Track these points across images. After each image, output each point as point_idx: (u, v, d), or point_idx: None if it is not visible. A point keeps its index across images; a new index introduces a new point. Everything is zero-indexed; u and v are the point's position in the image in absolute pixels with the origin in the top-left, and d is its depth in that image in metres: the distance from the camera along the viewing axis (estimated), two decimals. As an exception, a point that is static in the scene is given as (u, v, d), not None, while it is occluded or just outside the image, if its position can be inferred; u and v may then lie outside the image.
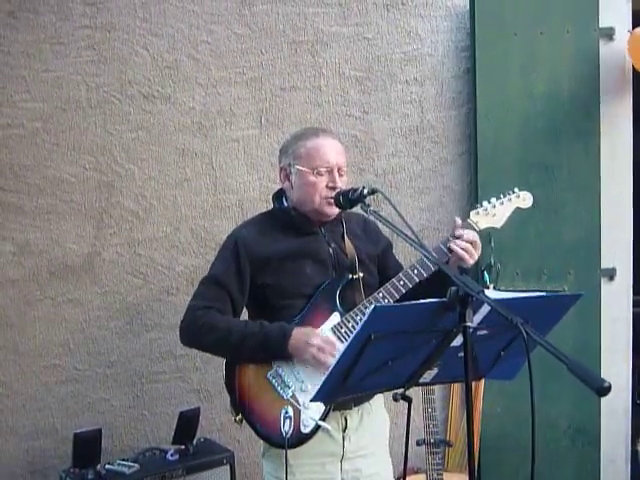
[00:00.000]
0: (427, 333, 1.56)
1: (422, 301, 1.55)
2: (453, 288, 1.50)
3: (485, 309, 1.56)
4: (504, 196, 2.18)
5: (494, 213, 2.15)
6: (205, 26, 3.25)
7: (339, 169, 2.13)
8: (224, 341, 2.07)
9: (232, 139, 3.29)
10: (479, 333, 1.59)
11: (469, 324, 1.51)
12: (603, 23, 3.23)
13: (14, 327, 3.15)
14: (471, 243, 2.06)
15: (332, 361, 1.83)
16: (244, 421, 2.06)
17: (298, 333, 2.02)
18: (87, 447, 2.71)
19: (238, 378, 2.08)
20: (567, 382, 2.98)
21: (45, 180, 3.17)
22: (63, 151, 3.18)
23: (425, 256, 1.90)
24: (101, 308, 3.22)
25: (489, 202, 2.16)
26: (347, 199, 2.00)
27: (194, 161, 3.27)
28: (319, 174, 2.10)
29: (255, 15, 3.28)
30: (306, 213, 2.15)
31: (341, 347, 1.98)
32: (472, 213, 2.15)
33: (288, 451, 1.94)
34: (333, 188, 2.09)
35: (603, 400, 3.22)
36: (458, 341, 1.57)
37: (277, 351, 2.03)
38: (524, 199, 2.19)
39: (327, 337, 2.02)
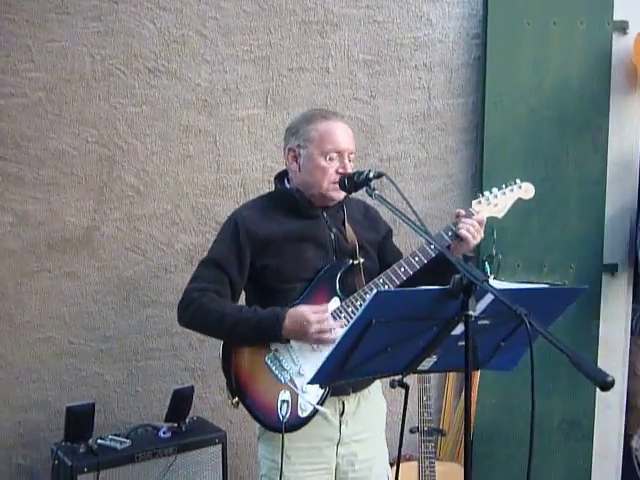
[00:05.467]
0: (428, 320, 1.54)
1: (425, 287, 1.54)
2: (457, 276, 1.48)
3: (488, 299, 1.54)
4: (506, 186, 2.19)
5: (496, 203, 2.16)
6: (214, 2, 3.21)
7: (349, 154, 2.11)
8: (218, 325, 2.05)
9: (237, 118, 3.26)
10: (480, 323, 1.57)
11: (471, 313, 1.49)
12: (617, 16, 3.20)
13: (10, 298, 3.12)
14: (474, 226, 2.06)
15: (335, 335, 1.83)
16: (240, 404, 2.05)
17: (291, 316, 2.00)
18: (79, 421, 2.70)
19: (235, 361, 2.07)
20: (562, 376, 3.02)
21: (46, 151, 3.13)
22: (66, 122, 3.14)
23: (429, 241, 1.89)
24: (98, 283, 3.20)
25: (491, 192, 2.17)
26: (352, 182, 1.99)
27: (197, 138, 3.24)
28: (330, 159, 2.09)
29: (265, -7, 3.24)
30: (310, 196, 2.13)
31: (341, 331, 1.97)
32: (474, 202, 2.16)
33: (285, 435, 1.93)
34: (342, 174, 2.07)
35: (598, 395, 3.22)
36: (459, 330, 1.56)
37: (271, 336, 2.02)
38: (526, 190, 2.20)
39: (319, 316, 1.98)
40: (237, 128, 3.26)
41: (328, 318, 2.00)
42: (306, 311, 2.00)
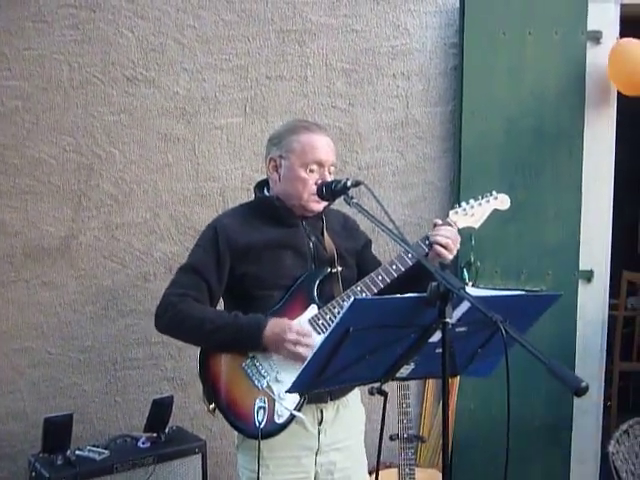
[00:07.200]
0: (406, 328, 1.55)
1: (402, 295, 1.54)
2: (434, 283, 1.49)
3: (465, 306, 1.55)
4: (482, 197, 2.22)
5: (472, 213, 2.19)
6: (192, 10, 3.21)
7: (329, 167, 2.13)
8: (197, 330, 2.04)
9: (215, 126, 3.26)
10: (457, 330, 1.58)
11: (448, 320, 1.50)
12: (591, 26, 3.25)
13: (-14, 308, 3.10)
14: (452, 239, 2.08)
15: (309, 353, 1.82)
16: (217, 411, 2.05)
17: (272, 326, 1.99)
18: (57, 432, 2.67)
19: (212, 367, 2.06)
20: (540, 382, 3.04)
21: (23, 160, 3.11)
22: (43, 131, 3.12)
23: (406, 250, 1.90)
24: (76, 292, 3.18)
25: (468, 203, 2.20)
26: (330, 190, 1.99)
27: (176, 147, 3.24)
28: (311, 171, 2.10)
29: (243, 2, 3.25)
30: (290, 206, 2.14)
31: (319, 339, 1.98)
32: (451, 213, 2.19)
33: (263, 444, 1.93)
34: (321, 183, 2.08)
35: (575, 401, 3.25)
36: (436, 337, 1.57)
37: (251, 343, 2.01)
38: (502, 201, 2.23)
39: (302, 328, 2.01)
40: (216, 137, 3.27)
41: (309, 335, 2.00)
42: (288, 321, 2.01)
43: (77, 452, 2.74)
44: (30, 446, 3.02)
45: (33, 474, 2.67)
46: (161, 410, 2.88)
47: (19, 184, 3.11)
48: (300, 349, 1.96)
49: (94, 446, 2.80)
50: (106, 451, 2.77)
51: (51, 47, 3.11)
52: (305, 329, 2.01)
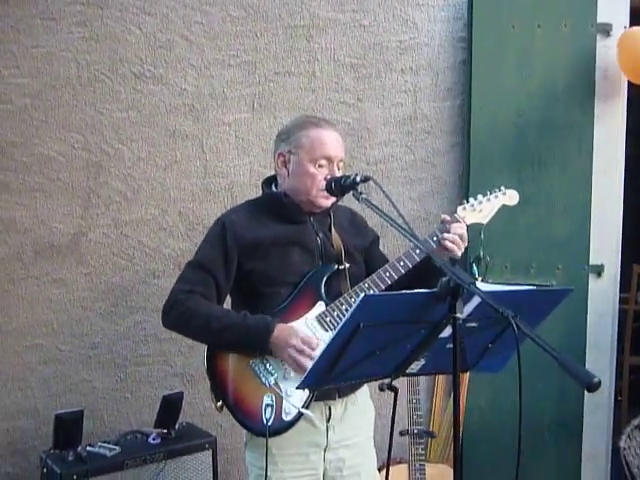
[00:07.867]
0: (416, 323, 1.55)
1: (412, 291, 1.54)
2: (444, 279, 1.49)
3: (475, 301, 1.54)
4: (491, 193, 2.22)
5: (480, 209, 2.19)
6: (200, 7, 3.21)
7: (338, 162, 2.12)
8: (204, 328, 2.04)
9: (224, 122, 3.26)
10: (468, 325, 1.58)
11: (459, 316, 1.49)
12: (601, 18, 3.23)
13: (-3, 306, 3.11)
14: (460, 236, 2.07)
15: (309, 364, 1.80)
16: (224, 408, 2.05)
17: (280, 330, 1.98)
18: (68, 428, 2.69)
19: (220, 364, 2.06)
20: (551, 377, 3.03)
21: (32, 157, 3.12)
22: (51, 129, 3.13)
23: (416, 245, 1.90)
24: (86, 289, 3.19)
25: (476, 198, 2.20)
26: (339, 185, 1.99)
27: (184, 143, 3.24)
28: (320, 166, 2.09)
29: (251, -3, 3.24)
30: (298, 202, 2.14)
31: (326, 336, 1.98)
32: (459, 208, 2.18)
33: (271, 441, 1.93)
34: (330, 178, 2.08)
35: (586, 396, 3.24)
36: (447, 332, 1.56)
37: (257, 345, 1.99)
38: (510, 197, 2.23)
39: (309, 337, 1.98)
40: (224, 133, 3.26)
41: (314, 345, 1.96)
42: (297, 326, 2.00)
43: (88, 448, 2.75)
44: (41, 442, 3.03)
45: (44, 470, 2.68)
46: (171, 406, 2.89)
47: (28, 181, 3.12)
48: (301, 358, 1.94)
49: (105, 442, 2.81)
50: (117, 447, 2.78)
51: (59, 44, 3.11)
52: (312, 339, 1.98)
